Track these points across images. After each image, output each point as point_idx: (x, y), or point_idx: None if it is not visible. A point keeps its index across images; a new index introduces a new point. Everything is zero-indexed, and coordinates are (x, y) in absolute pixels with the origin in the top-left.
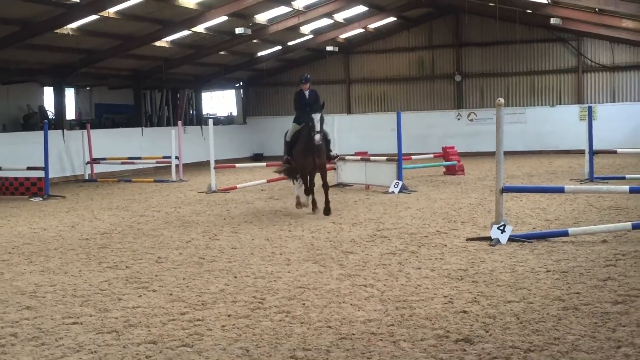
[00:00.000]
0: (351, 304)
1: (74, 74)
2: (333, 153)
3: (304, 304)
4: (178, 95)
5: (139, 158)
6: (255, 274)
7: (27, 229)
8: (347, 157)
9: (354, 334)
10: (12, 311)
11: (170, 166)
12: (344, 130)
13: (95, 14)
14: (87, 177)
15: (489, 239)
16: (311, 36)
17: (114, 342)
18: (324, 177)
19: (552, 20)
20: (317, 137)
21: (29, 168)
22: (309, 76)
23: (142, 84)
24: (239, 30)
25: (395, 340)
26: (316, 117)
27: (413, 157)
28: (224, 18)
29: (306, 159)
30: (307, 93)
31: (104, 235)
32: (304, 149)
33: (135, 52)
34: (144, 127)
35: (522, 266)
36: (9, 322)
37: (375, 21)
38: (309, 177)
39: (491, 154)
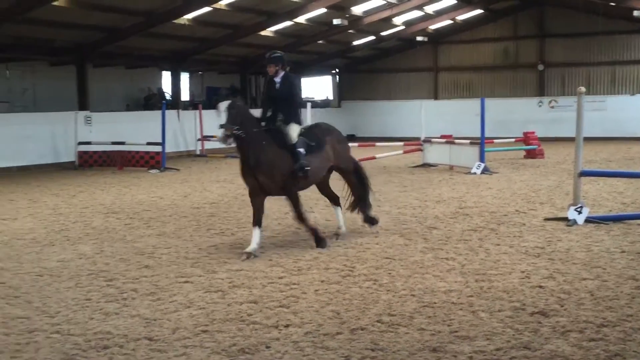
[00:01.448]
0: (433, 275)
1: (188, 59)
2: (301, 163)
3: (390, 273)
4: None
5: None
6: (346, 244)
7: (146, 197)
8: (433, 140)
9: (435, 303)
10: (133, 269)
11: None
12: (430, 115)
13: (209, 5)
14: (198, 153)
15: (566, 219)
16: (403, 27)
17: (220, 300)
18: (290, 203)
19: (635, 13)
20: (220, 133)
21: (148, 143)
22: (274, 54)
23: (248, 70)
24: (336, 21)
25: (474, 310)
26: (222, 105)
27: (495, 140)
28: (323, 10)
29: (245, 178)
30: (277, 80)
31: (212, 204)
32: (241, 163)
33: (242, 41)
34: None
35: (597, 246)
36: (130, 278)
37: (463, 13)
38: (255, 203)
39: (570, 140)
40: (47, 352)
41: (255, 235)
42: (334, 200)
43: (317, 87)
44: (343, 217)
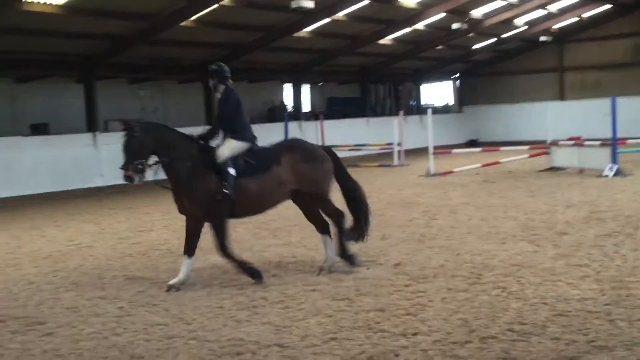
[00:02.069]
0: (566, 283)
1: (309, 71)
2: (223, 184)
3: (519, 281)
4: (399, 87)
5: (365, 145)
6: (472, 251)
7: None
8: (560, 142)
9: (569, 311)
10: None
11: (392, 152)
12: (556, 117)
13: (327, 17)
14: None
15: None
16: (525, 27)
17: (347, 308)
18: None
19: None
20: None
21: None
22: (210, 68)
23: (367, 79)
24: (455, 26)
25: (611, 319)
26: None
27: (628, 141)
28: (442, 15)
29: (175, 202)
30: (217, 96)
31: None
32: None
33: (361, 50)
34: (369, 117)
35: None
36: (259, 286)
37: (590, 9)
38: (187, 229)
39: None
40: (186, 358)
41: (184, 265)
42: (323, 227)
43: (437, 93)
44: (331, 247)
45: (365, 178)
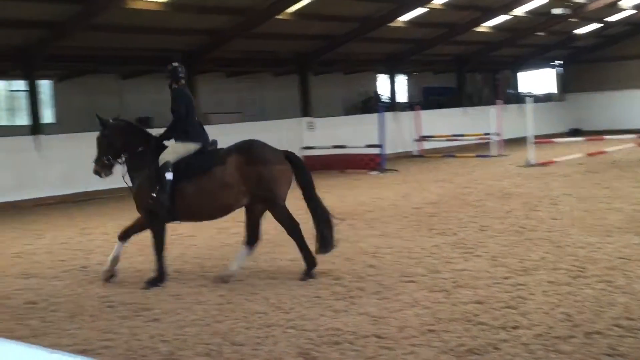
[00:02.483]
0: None
1: (404, 61)
2: (154, 195)
3: (626, 275)
4: (497, 76)
5: (462, 135)
6: (575, 244)
7: (367, 198)
8: None
9: None
10: (358, 268)
11: (490, 142)
12: None
13: (423, 6)
14: (415, 153)
15: None
16: (633, 11)
17: (445, 300)
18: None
19: None
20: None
21: (367, 146)
22: (166, 69)
23: (464, 67)
24: (556, 11)
25: None
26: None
27: None
28: (543, 0)
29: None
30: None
31: (432, 205)
32: None
33: (458, 39)
34: (465, 107)
35: None
36: (356, 277)
37: None
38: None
39: None
40: (284, 346)
41: (115, 249)
42: (250, 239)
43: (536, 81)
44: (241, 261)
45: (462, 169)
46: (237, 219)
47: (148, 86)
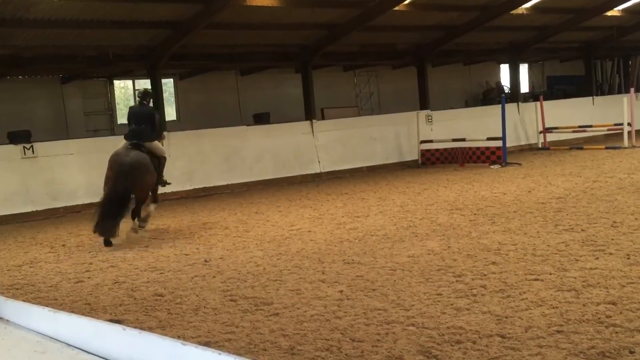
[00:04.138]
0: None
1: (527, 50)
2: None
3: None
4: (630, 62)
5: (590, 126)
6: None
7: (489, 193)
8: None
9: None
10: (480, 265)
11: (622, 133)
12: None
13: None
14: (540, 146)
15: None
16: None
17: (574, 299)
18: None
19: None
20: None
21: (488, 138)
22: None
23: (592, 54)
24: None
25: None
26: None
27: None
28: None
29: None
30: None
31: (559, 199)
32: None
33: (585, 24)
34: (594, 96)
35: None
36: (478, 274)
37: None
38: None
39: None
40: (405, 344)
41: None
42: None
43: None
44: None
45: (591, 161)
46: (355, 214)
47: (266, 82)
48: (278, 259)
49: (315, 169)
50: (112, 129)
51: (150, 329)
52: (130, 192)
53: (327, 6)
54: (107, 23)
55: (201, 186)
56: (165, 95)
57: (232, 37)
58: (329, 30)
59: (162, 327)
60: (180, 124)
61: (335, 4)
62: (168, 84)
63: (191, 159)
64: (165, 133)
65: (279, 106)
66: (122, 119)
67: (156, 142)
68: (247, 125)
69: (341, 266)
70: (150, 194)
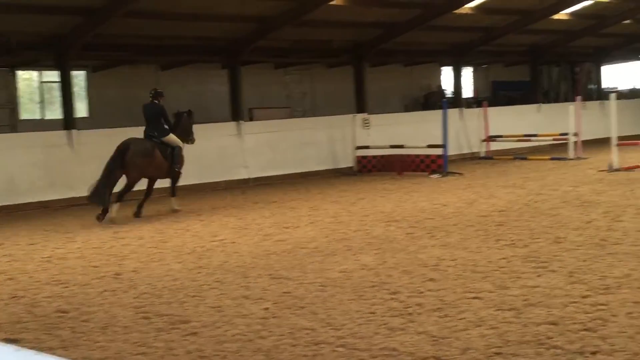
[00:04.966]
0: None
1: (471, 52)
2: None
3: None
4: (577, 69)
5: (535, 135)
6: None
7: (428, 204)
8: None
9: None
10: (417, 282)
11: (567, 143)
12: None
13: None
14: (483, 155)
15: None
16: None
17: (514, 319)
18: None
19: None
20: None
21: (429, 146)
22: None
23: (539, 59)
24: None
25: None
26: None
27: None
28: None
29: None
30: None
31: (501, 212)
32: None
33: (532, 27)
34: (540, 104)
35: None
36: (414, 292)
37: None
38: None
39: None
40: None
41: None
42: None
43: (622, 74)
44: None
45: (535, 173)
46: (283, 225)
47: (189, 78)
48: (198, 273)
49: (242, 174)
50: (14, 124)
51: (50, 350)
52: (119, 170)
53: None
54: (10, 7)
55: (114, 190)
56: (75, 89)
57: (152, 27)
58: (259, 23)
59: (65, 348)
60: (93, 121)
61: None
62: (80, 77)
63: (103, 161)
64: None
65: (203, 105)
66: (26, 113)
67: (171, 135)
68: None
69: (267, 281)
70: (172, 185)
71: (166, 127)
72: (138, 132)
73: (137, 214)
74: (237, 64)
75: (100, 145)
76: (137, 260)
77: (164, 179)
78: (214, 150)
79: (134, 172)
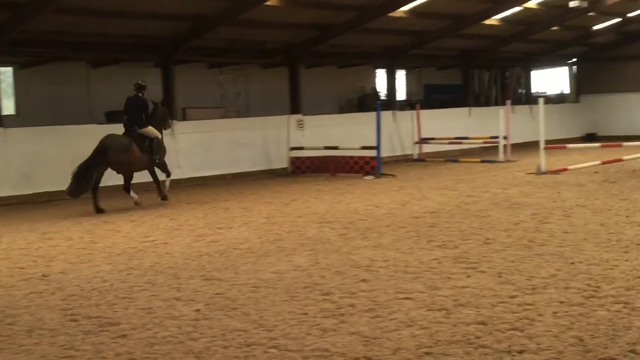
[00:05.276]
0: None
1: (405, 55)
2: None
3: None
4: (507, 73)
5: (467, 138)
6: (589, 261)
7: (361, 205)
8: None
9: None
10: (350, 283)
11: (497, 146)
12: None
13: None
14: (415, 157)
15: None
16: None
17: (444, 319)
18: None
19: None
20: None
21: (362, 147)
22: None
23: (470, 64)
24: (573, 4)
25: None
26: None
27: None
28: None
29: None
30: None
31: (433, 214)
32: None
33: (464, 32)
34: (471, 107)
35: None
36: (347, 292)
37: None
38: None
39: None
40: None
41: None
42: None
43: (550, 80)
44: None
45: (466, 175)
46: (216, 225)
47: (121, 76)
48: (128, 274)
49: (175, 174)
50: None
51: None
52: (102, 165)
53: None
54: None
55: (42, 190)
56: (2, 86)
57: (83, 24)
58: (194, 22)
59: None
60: (20, 119)
61: None
62: (7, 74)
63: (31, 159)
64: (170, 122)
65: None
66: None
67: (149, 127)
68: (98, 124)
69: (199, 282)
70: (162, 169)
71: (144, 120)
72: (67, 131)
73: (163, 198)
74: (171, 63)
75: (28, 144)
76: (65, 261)
77: (144, 171)
78: None
79: (121, 168)
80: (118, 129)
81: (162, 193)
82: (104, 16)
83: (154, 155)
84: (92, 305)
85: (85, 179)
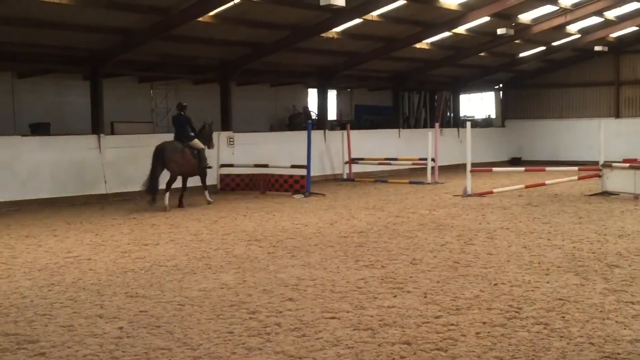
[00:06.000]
0: (616, 321)
1: (336, 76)
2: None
3: (563, 317)
4: (436, 97)
5: (395, 159)
6: (512, 282)
7: (290, 224)
8: (614, 164)
9: (619, 354)
10: (276, 301)
11: (425, 168)
12: (611, 136)
13: (360, 17)
14: (345, 177)
15: None
16: (578, 36)
17: (370, 339)
18: None
19: None
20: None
21: (292, 166)
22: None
23: (401, 86)
24: (500, 31)
25: None
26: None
27: None
28: (486, 19)
29: None
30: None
31: (361, 234)
32: None
33: (395, 55)
34: (401, 129)
35: None
36: (273, 311)
37: None
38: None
39: None
40: None
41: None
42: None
43: (477, 104)
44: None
45: (394, 196)
46: (142, 242)
47: (48, 88)
48: (49, 290)
49: (101, 189)
50: None
51: None
52: (160, 165)
53: (123, 9)
54: None
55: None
56: None
57: (7, 33)
58: (124, 36)
59: None
60: None
61: (133, 8)
62: None
63: None
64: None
65: (62, 116)
66: None
67: (196, 140)
68: (22, 136)
69: (123, 300)
70: (202, 182)
71: (192, 133)
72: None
73: (180, 205)
74: (100, 76)
75: None
76: None
77: (194, 177)
78: (72, 164)
79: (173, 166)
80: (43, 142)
81: (208, 199)
82: (31, 26)
83: (202, 162)
84: (10, 322)
85: (154, 176)
